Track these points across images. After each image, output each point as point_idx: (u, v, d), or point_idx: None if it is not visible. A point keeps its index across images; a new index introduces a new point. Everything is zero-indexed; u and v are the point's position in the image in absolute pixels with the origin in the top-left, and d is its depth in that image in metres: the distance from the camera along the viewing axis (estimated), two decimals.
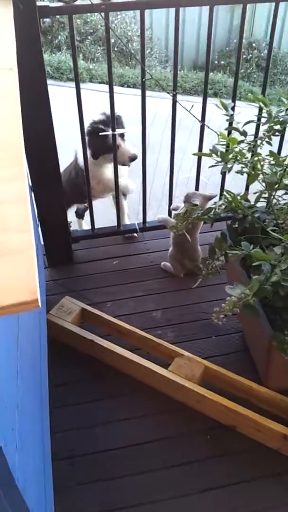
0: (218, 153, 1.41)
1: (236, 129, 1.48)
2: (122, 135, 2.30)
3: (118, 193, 2.41)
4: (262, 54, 8.23)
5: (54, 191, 2.22)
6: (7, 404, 0.95)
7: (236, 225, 1.60)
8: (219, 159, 1.42)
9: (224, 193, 1.58)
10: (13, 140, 0.73)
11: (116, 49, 7.86)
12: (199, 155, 1.56)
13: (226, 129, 1.51)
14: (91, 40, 7.69)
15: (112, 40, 7.65)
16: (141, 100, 2.08)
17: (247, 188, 2.04)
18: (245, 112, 2.02)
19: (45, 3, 1.71)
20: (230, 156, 1.40)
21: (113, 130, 2.11)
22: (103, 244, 2.61)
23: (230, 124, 1.47)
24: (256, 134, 1.96)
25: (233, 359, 1.98)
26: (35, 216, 2.20)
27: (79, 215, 3.22)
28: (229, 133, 2.21)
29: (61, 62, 7.09)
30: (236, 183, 2.30)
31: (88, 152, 2.26)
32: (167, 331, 2.11)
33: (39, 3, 1.68)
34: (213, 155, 1.42)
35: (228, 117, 1.49)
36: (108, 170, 2.39)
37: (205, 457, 1.70)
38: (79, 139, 2.18)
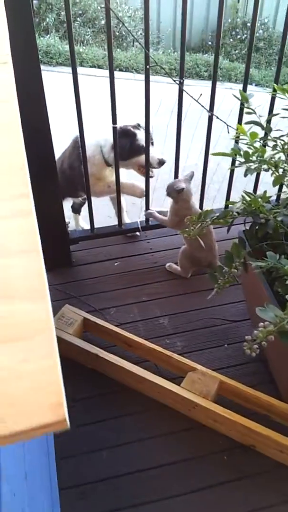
0: (242, 153, 1.25)
1: (259, 124, 1.31)
2: (151, 141, 2.23)
3: (119, 192, 2.24)
4: (257, 34, 7.97)
5: (51, 188, 2.05)
6: None
7: (256, 229, 1.45)
8: (242, 160, 1.25)
9: (243, 194, 1.41)
10: (14, 156, 0.57)
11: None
12: (219, 155, 1.39)
13: (246, 123, 1.34)
14: (81, 22, 7.38)
15: (102, 22, 7.38)
16: (144, 90, 1.91)
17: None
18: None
19: None
20: (255, 157, 1.24)
21: (114, 123, 1.93)
22: (103, 244, 2.45)
23: (251, 117, 1.29)
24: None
25: (248, 370, 1.85)
26: None
27: (75, 210, 3.05)
28: (240, 120, 2.05)
29: (50, 46, 6.80)
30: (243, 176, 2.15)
31: (108, 152, 2.22)
32: (175, 340, 1.96)
33: None
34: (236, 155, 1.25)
35: (248, 109, 1.31)
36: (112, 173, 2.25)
37: (223, 481, 1.57)
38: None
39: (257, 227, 1.42)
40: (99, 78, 6.34)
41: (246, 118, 1.57)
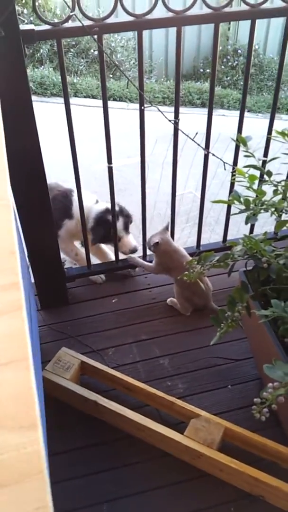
0: (241, 200, 1.22)
1: (260, 169, 1.28)
2: (126, 226, 2.35)
3: (115, 225, 2.20)
4: None
5: (45, 225, 2.01)
6: None
7: (258, 273, 1.40)
8: (243, 207, 1.22)
9: (243, 238, 1.37)
10: (3, 240, 0.52)
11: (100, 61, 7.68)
12: (219, 202, 1.36)
13: (245, 167, 1.31)
14: (74, 53, 7.49)
15: (95, 53, 7.48)
16: (139, 130, 1.87)
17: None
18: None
19: (30, 26, 1.50)
20: (256, 204, 1.21)
21: (110, 163, 1.90)
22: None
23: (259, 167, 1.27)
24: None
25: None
26: (24, 251, 1.98)
27: None
28: (236, 156, 2.03)
29: (44, 77, 6.86)
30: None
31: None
32: (177, 382, 1.90)
33: (22, 27, 1.47)
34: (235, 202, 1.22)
35: (247, 153, 1.29)
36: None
37: None
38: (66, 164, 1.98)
39: (257, 271, 1.38)
40: (94, 108, 6.40)
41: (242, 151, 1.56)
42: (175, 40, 1.70)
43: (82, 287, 2.36)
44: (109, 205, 2.19)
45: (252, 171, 1.36)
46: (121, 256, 2.36)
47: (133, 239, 2.39)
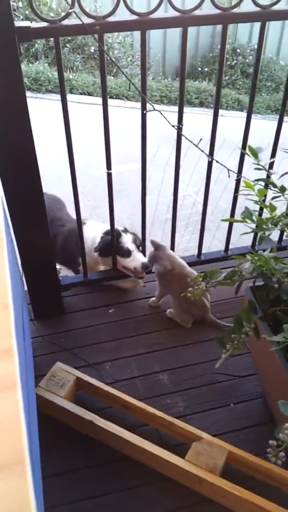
0: (254, 218, 1.13)
1: (272, 183, 1.19)
2: (138, 245, 2.23)
3: (113, 232, 2.11)
4: (247, 60, 8.03)
5: (39, 230, 1.91)
6: None
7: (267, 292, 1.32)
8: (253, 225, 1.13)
9: (250, 255, 1.29)
10: None
11: (96, 56, 7.56)
12: (229, 221, 1.27)
13: (255, 180, 1.23)
14: (70, 48, 7.35)
15: (92, 49, 7.33)
16: (141, 135, 1.78)
17: None
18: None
19: (26, 23, 1.40)
20: (272, 224, 1.12)
21: (109, 168, 1.81)
22: (96, 289, 2.31)
23: (268, 177, 1.18)
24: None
25: (258, 435, 1.70)
26: (16, 258, 1.88)
27: None
28: (241, 163, 1.94)
29: (39, 73, 6.73)
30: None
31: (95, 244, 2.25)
32: (177, 399, 1.81)
33: (18, 23, 1.37)
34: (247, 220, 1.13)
35: (257, 166, 1.20)
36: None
37: None
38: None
39: (268, 290, 1.30)
40: (90, 106, 6.29)
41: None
42: (181, 42, 1.61)
43: (77, 296, 2.26)
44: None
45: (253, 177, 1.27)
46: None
47: (142, 256, 2.23)
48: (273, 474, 1.50)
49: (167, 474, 1.54)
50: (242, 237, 2.92)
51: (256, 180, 1.22)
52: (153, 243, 2.06)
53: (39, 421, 1.56)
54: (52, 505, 1.48)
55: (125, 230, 2.25)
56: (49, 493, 1.41)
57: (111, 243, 2.13)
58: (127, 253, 2.18)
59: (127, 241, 2.19)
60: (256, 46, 1.71)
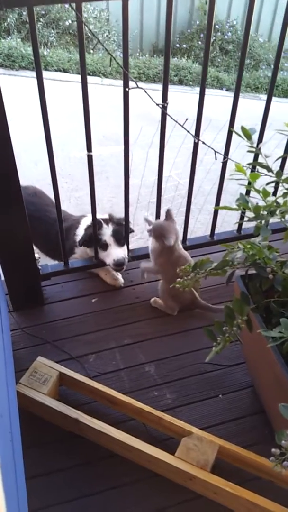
0: (250, 207, 1.05)
1: (267, 167, 1.11)
2: (117, 237, 2.11)
3: (95, 221, 2.01)
4: (226, 37, 7.86)
5: (15, 217, 1.79)
6: None
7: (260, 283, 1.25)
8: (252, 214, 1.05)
9: (241, 244, 1.21)
10: None
11: (71, 31, 7.28)
12: (223, 209, 1.19)
13: (248, 164, 1.14)
14: (44, 23, 7.05)
15: (67, 23, 7.07)
16: (123, 114, 1.67)
17: None
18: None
19: None
20: (270, 212, 1.04)
21: (89, 150, 1.69)
22: (78, 277, 2.22)
23: (256, 158, 1.10)
24: None
25: (247, 425, 1.66)
26: None
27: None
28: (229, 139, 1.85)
29: (11, 48, 6.44)
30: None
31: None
32: (165, 391, 1.75)
33: None
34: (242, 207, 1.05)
35: (252, 149, 1.11)
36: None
37: None
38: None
39: (261, 280, 1.23)
40: (66, 83, 6.07)
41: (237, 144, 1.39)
42: (165, 11, 1.49)
43: (58, 286, 2.17)
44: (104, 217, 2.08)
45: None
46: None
47: (122, 251, 2.12)
48: (265, 468, 1.46)
49: (156, 471, 1.49)
50: (226, 220, 2.87)
51: (249, 164, 1.13)
52: (168, 212, 1.93)
53: (21, 419, 1.48)
54: (37, 507, 1.42)
55: (109, 220, 2.16)
56: (34, 495, 1.34)
57: (94, 232, 2.03)
58: (104, 246, 2.10)
59: (105, 233, 2.10)
60: (235, 22, 1.61)
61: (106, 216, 2.17)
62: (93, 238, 2.07)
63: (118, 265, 2.07)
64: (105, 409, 1.67)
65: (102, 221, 2.10)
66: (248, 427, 1.65)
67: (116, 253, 2.08)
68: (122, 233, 2.12)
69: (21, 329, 1.97)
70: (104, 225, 2.11)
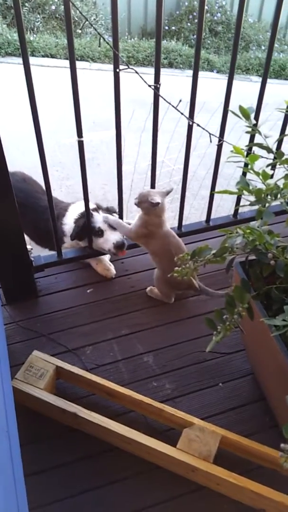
0: (252, 190, 1.00)
1: (268, 148, 1.06)
2: (110, 224, 2.04)
3: (88, 209, 1.95)
4: (215, 18, 7.72)
5: (5, 206, 1.73)
6: None
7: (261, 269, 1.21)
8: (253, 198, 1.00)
9: (240, 229, 1.17)
10: None
11: (58, 15, 7.11)
12: (222, 193, 1.14)
13: (247, 146, 1.09)
14: (29, 8, 6.87)
15: (53, 7, 6.90)
16: (114, 97, 1.60)
17: None
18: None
19: None
20: (273, 195, 0.99)
21: (80, 136, 1.63)
22: (72, 268, 2.17)
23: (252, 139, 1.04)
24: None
25: (248, 413, 1.63)
26: None
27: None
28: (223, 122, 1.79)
29: None
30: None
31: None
32: (164, 381, 1.72)
33: None
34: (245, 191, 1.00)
35: (251, 129, 1.06)
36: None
37: None
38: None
39: (262, 267, 1.19)
40: (53, 69, 5.94)
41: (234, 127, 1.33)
42: None
43: (52, 277, 2.12)
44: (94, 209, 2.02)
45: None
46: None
47: (118, 234, 2.04)
48: (268, 456, 1.44)
49: (157, 463, 1.46)
50: (220, 205, 2.82)
51: (251, 145, 1.08)
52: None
53: (18, 415, 1.44)
54: (37, 505, 1.38)
55: (97, 208, 2.11)
56: (33, 492, 1.31)
57: (87, 220, 1.98)
58: (99, 233, 2.03)
59: (98, 220, 2.04)
60: (224, 3, 1.54)
61: (94, 206, 2.11)
62: (84, 229, 2.01)
63: (120, 247, 2.01)
64: (104, 402, 1.64)
65: (91, 210, 2.04)
66: (249, 416, 1.62)
67: (114, 236, 2.02)
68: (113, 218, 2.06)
69: (15, 322, 1.92)
70: (95, 213, 2.05)
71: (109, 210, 2.13)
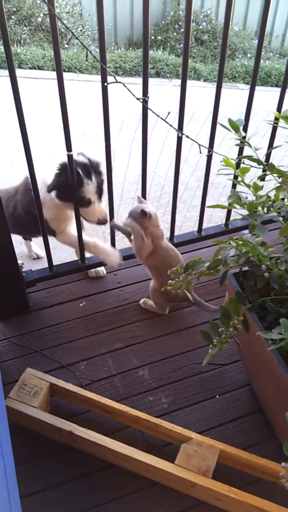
0: (244, 203, 0.99)
1: (258, 161, 1.05)
2: (100, 191, 1.94)
3: (80, 221, 1.94)
4: (201, 27, 7.78)
5: None
6: None
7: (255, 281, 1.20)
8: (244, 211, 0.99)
9: (233, 241, 1.16)
10: None
11: (44, 27, 7.12)
12: (214, 207, 1.13)
13: (237, 159, 1.08)
14: (16, 20, 6.88)
15: (39, 19, 6.89)
16: (102, 110, 1.59)
17: None
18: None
19: None
20: (267, 208, 0.99)
21: (69, 150, 1.62)
22: (64, 281, 2.14)
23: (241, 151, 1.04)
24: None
25: (246, 425, 1.62)
26: None
27: (26, 237, 2.74)
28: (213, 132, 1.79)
29: None
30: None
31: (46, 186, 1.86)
32: (160, 395, 1.70)
33: None
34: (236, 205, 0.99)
35: (240, 142, 1.05)
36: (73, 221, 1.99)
37: None
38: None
39: (256, 279, 1.18)
40: (40, 81, 5.94)
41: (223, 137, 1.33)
42: (142, 4, 1.42)
43: (44, 291, 2.10)
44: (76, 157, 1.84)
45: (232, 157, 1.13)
46: (87, 255, 2.10)
47: (104, 207, 1.95)
48: (267, 469, 1.42)
49: (156, 479, 1.44)
50: (213, 214, 2.82)
51: (241, 157, 1.08)
52: (139, 198, 1.87)
53: (13, 434, 1.41)
54: None
55: (89, 167, 1.89)
56: None
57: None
58: (87, 204, 1.91)
59: (89, 190, 1.88)
60: (209, 12, 1.55)
61: (84, 159, 1.89)
62: (67, 189, 1.82)
63: (102, 223, 1.96)
64: (100, 418, 1.61)
65: (82, 175, 1.85)
66: (247, 427, 1.61)
67: (100, 211, 1.94)
68: (102, 185, 1.95)
69: (8, 339, 1.89)
70: (86, 180, 1.87)
71: (98, 171, 1.94)
